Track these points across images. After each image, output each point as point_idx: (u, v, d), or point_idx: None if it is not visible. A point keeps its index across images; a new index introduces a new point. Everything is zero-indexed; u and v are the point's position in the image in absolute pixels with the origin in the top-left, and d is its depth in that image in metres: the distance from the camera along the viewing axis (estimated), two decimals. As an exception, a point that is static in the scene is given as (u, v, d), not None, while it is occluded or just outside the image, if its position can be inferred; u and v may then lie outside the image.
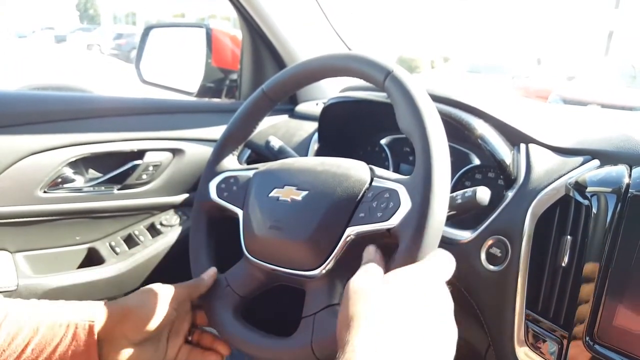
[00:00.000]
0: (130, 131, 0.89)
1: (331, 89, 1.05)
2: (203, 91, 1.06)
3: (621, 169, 0.49)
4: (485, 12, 18.74)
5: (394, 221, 0.46)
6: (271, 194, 0.56)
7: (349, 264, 0.51)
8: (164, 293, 0.54)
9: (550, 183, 0.54)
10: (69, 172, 0.85)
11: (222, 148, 0.65)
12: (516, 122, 0.62)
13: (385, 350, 0.33)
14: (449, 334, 0.38)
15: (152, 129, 0.91)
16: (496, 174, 0.70)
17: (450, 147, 0.49)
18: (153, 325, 0.52)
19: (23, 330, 0.47)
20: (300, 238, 0.52)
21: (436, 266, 0.42)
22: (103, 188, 0.88)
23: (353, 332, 0.35)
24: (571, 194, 0.51)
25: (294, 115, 1.04)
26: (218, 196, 0.62)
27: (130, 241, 0.93)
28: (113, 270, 0.88)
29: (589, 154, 0.55)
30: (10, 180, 0.79)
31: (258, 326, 0.55)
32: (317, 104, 1.02)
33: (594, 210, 0.48)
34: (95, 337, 0.49)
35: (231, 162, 0.65)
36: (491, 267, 0.56)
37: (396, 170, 0.85)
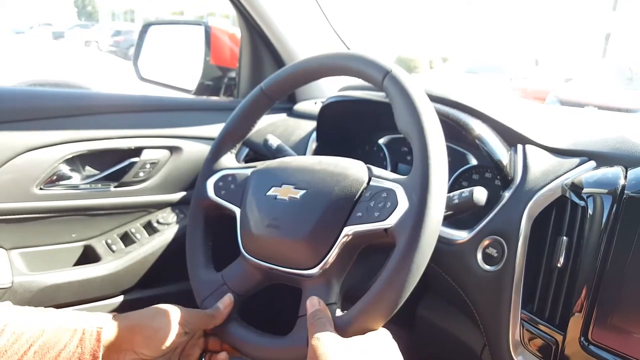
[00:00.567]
0: (128, 128, 0.88)
1: (330, 88, 1.05)
2: (201, 89, 1.06)
3: (617, 171, 0.49)
4: (484, 13, 18.77)
5: (391, 221, 0.46)
6: (269, 193, 0.56)
7: (346, 263, 0.51)
8: (178, 314, 0.53)
9: (547, 184, 0.54)
10: (65, 169, 0.84)
11: (220, 146, 0.65)
12: (513, 123, 0.63)
13: None
14: None
15: (149, 126, 0.91)
16: (493, 174, 0.70)
17: (447, 147, 0.49)
18: (163, 343, 0.50)
19: (27, 332, 0.46)
20: (297, 237, 0.52)
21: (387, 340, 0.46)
22: (100, 185, 0.88)
23: None
24: (567, 195, 0.51)
25: (292, 113, 1.04)
26: (215, 194, 0.62)
27: (127, 239, 0.92)
28: (109, 268, 0.87)
29: (586, 155, 0.56)
30: (6, 177, 0.78)
31: (254, 325, 0.55)
32: (315, 103, 1.02)
33: (590, 211, 0.48)
34: (101, 345, 0.47)
35: (229, 161, 0.64)
36: (487, 267, 0.57)
37: (394, 169, 0.85)
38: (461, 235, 0.60)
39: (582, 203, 0.49)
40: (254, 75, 1.06)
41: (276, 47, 1.01)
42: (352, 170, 0.53)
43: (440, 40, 17.38)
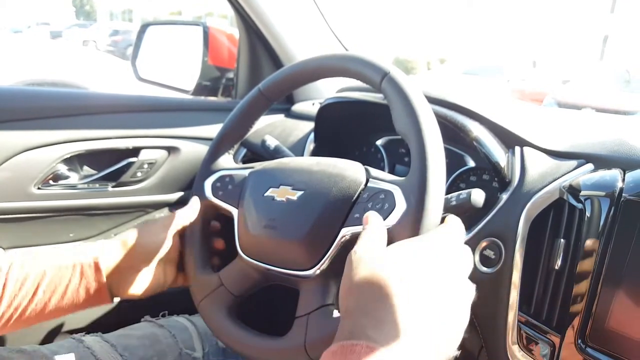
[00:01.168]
0: (126, 128, 0.88)
1: (328, 89, 1.05)
2: (199, 89, 1.05)
3: (615, 173, 0.49)
4: (482, 14, 18.82)
5: (389, 222, 0.46)
6: (266, 194, 0.56)
7: (344, 264, 0.51)
8: (158, 225, 0.59)
9: (545, 186, 0.54)
10: (63, 168, 0.84)
11: (217, 147, 0.64)
12: (511, 125, 0.63)
13: (391, 315, 0.32)
14: (461, 299, 0.36)
15: (147, 126, 0.91)
16: (491, 176, 0.70)
17: (445, 148, 0.49)
18: (152, 254, 0.57)
19: (30, 276, 0.50)
20: (295, 238, 0.52)
21: (444, 234, 0.41)
22: (97, 185, 0.88)
23: (355, 298, 0.34)
24: (565, 198, 0.52)
25: (290, 114, 1.04)
26: (213, 195, 0.62)
27: (124, 239, 0.92)
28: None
29: (583, 158, 0.56)
30: (3, 176, 0.78)
31: (252, 326, 0.55)
32: (313, 104, 1.02)
33: (588, 213, 0.48)
34: (103, 272, 0.53)
35: (227, 161, 0.64)
36: (484, 269, 0.57)
37: (391, 171, 0.85)
38: (459, 237, 0.60)
39: (579, 205, 0.50)
40: (252, 75, 1.06)
41: (274, 48, 1.01)
42: (350, 171, 0.53)
43: (438, 42, 17.41)
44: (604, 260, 0.47)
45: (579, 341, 0.48)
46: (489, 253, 0.56)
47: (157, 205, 0.95)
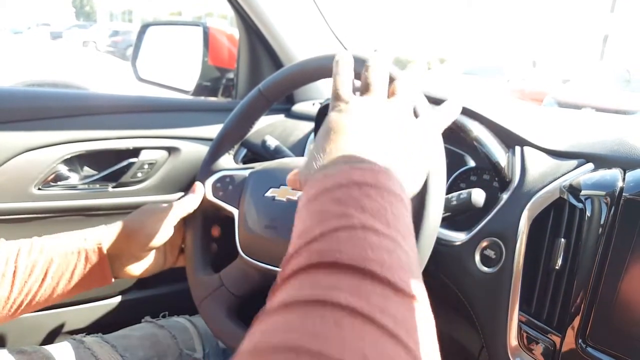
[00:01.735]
0: (126, 129, 0.88)
1: (328, 89, 1.05)
2: (199, 90, 1.05)
3: (615, 173, 0.49)
4: (482, 14, 18.82)
5: None
6: (267, 194, 0.56)
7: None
8: (161, 213, 0.60)
9: (545, 186, 0.54)
10: (63, 169, 0.84)
11: (218, 147, 0.65)
12: (511, 125, 0.63)
13: (368, 147, 0.34)
14: (422, 142, 0.38)
15: (147, 127, 0.91)
16: (491, 176, 0.70)
17: (445, 148, 0.49)
18: (154, 242, 0.59)
19: (39, 262, 0.53)
20: None
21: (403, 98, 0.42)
22: (98, 186, 0.88)
23: (332, 140, 0.35)
24: (565, 197, 0.52)
25: (290, 114, 1.04)
26: (213, 195, 0.62)
27: (125, 240, 0.92)
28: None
29: (584, 157, 0.56)
30: (4, 177, 0.78)
31: (252, 325, 0.55)
32: (313, 104, 1.02)
33: (588, 213, 0.48)
34: (106, 257, 0.56)
35: (227, 161, 0.64)
36: (485, 269, 0.57)
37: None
38: (459, 237, 0.60)
39: (580, 205, 0.50)
40: (252, 76, 1.06)
41: (274, 48, 1.01)
42: None
43: (438, 42, 17.41)
44: (604, 259, 0.47)
45: (580, 341, 0.48)
46: (490, 253, 0.56)
47: (158, 206, 0.95)
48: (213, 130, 0.95)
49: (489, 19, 18.41)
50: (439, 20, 19.04)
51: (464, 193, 0.53)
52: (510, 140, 0.62)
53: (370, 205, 0.29)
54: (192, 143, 0.94)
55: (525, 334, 0.53)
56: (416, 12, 19.52)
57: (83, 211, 0.87)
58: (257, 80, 1.00)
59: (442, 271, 0.62)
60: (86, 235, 0.56)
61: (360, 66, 0.54)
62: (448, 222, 0.56)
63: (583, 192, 0.49)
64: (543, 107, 2.63)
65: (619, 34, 16.37)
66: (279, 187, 0.55)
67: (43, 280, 0.52)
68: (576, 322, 0.48)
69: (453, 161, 0.73)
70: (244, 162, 0.89)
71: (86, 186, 0.86)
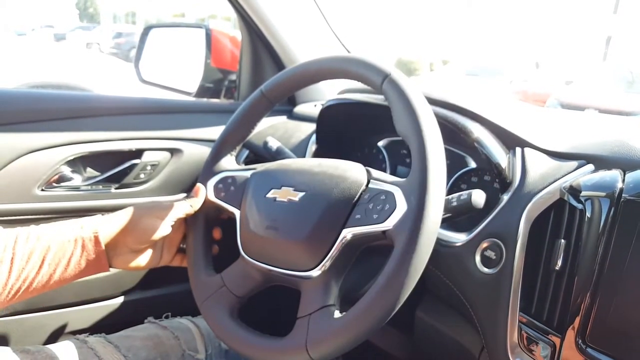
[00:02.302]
0: (129, 130, 0.89)
1: (330, 90, 1.05)
2: (202, 91, 1.06)
3: (615, 174, 0.49)
4: (485, 15, 18.79)
5: (390, 223, 0.47)
6: (268, 195, 0.56)
7: (345, 265, 0.51)
8: (160, 211, 0.60)
9: (545, 187, 0.55)
10: (67, 170, 0.85)
11: (220, 148, 0.65)
12: (512, 126, 0.63)
13: None
14: None
15: (150, 128, 0.91)
16: (492, 177, 0.70)
17: (446, 150, 0.49)
18: (150, 238, 0.59)
19: (36, 250, 0.53)
20: (296, 238, 0.52)
21: None
22: (101, 187, 0.88)
23: None
24: (565, 198, 0.52)
25: (292, 116, 1.04)
26: (215, 196, 0.62)
27: (127, 240, 0.93)
28: (111, 269, 0.87)
29: (584, 159, 0.56)
30: (8, 178, 0.79)
31: (254, 326, 0.55)
32: (315, 106, 1.03)
33: (588, 214, 0.48)
34: (103, 246, 0.56)
35: (229, 163, 0.65)
36: (485, 270, 0.57)
37: (393, 172, 0.85)
38: (460, 238, 0.60)
39: (580, 206, 0.50)
40: (255, 77, 1.06)
41: (276, 50, 1.02)
42: (351, 172, 0.53)
43: (441, 43, 17.39)
44: (604, 260, 0.47)
45: (580, 341, 0.48)
46: (490, 254, 0.56)
47: (160, 207, 0.95)
48: (215, 132, 0.96)
49: (492, 20, 18.38)
50: (442, 22, 19.02)
51: (464, 194, 0.53)
52: (510, 141, 0.62)
53: None
54: (194, 144, 0.95)
55: (525, 335, 0.53)
56: (418, 13, 19.52)
57: (86, 212, 0.87)
58: (259, 81, 1.00)
59: (443, 272, 0.62)
60: (83, 223, 0.57)
61: (356, 67, 0.54)
62: (449, 223, 0.57)
63: (583, 193, 0.50)
64: (545, 108, 2.62)
65: (621, 36, 16.31)
66: (280, 188, 0.56)
67: (40, 267, 0.53)
68: (576, 322, 0.48)
69: (454, 162, 0.73)
70: (246, 164, 0.89)
71: (89, 187, 0.87)
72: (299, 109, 1.05)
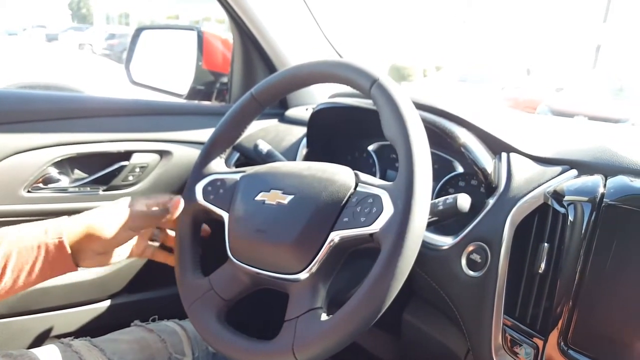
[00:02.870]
0: (118, 132, 0.88)
1: (321, 94, 1.06)
2: (193, 94, 1.06)
3: (597, 179, 0.50)
4: (478, 23, 18.99)
5: (376, 226, 0.47)
6: (257, 198, 0.56)
7: (332, 268, 0.52)
8: (126, 217, 0.59)
9: (530, 191, 0.55)
10: (54, 172, 0.84)
11: (209, 151, 0.65)
12: (498, 132, 0.64)
13: None
14: None
15: (140, 130, 0.91)
16: (479, 181, 0.71)
17: (435, 154, 0.50)
18: (115, 242, 0.59)
19: None
20: (284, 241, 0.52)
21: None
22: (88, 189, 0.87)
23: None
24: (549, 203, 0.52)
25: (283, 119, 1.05)
26: (204, 199, 0.62)
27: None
28: (96, 272, 0.87)
29: (568, 164, 0.57)
30: (-6, 179, 0.78)
31: (241, 329, 0.55)
32: (306, 109, 1.03)
33: (571, 218, 0.49)
34: (68, 250, 0.55)
35: (218, 165, 0.65)
36: (471, 273, 0.57)
37: (383, 176, 0.86)
38: (446, 241, 0.61)
39: (563, 210, 0.50)
40: (246, 80, 1.07)
41: (268, 53, 1.02)
42: (340, 176, 0.53)
43: (434, 49, 17.53)
44: (586, 263, 0.47)
45: (562, 344, 0.48)
46: (476, 257, 0.57)
47: (149, 209, 0.94)
48: (205, 134, 0.95)
49: (484, 27, 18.58)
50: (437, 28, 19.19)
51: (450, 198, 0.54)
52: (497, 146, 0.63)
53: None
54: (184, 147, 0.95)
55: (509, 337, 0.53)
56: (413, 20, 19.67)
57: (73, 214, 0.87)
58: (250, 84, 1.00)
59: (429, 275, 0.63)
60: (47, 227, 0.56)
61: (346, 72, 0.55)
62: (435, 226, 0.57)
63: (566, 198, 0.50)
64: (534, 114, 2.65)
65: (611, 44, 16.58)
66: (269, 191, 0.56)
67: (2, 274, 0.52)
68: (558, 325, 0.49)
69: (442, 167, 0.74)
70: (237, 166, 0.89)
71: (76, 189, 0.86)
72: (291, 112, 1.05)
